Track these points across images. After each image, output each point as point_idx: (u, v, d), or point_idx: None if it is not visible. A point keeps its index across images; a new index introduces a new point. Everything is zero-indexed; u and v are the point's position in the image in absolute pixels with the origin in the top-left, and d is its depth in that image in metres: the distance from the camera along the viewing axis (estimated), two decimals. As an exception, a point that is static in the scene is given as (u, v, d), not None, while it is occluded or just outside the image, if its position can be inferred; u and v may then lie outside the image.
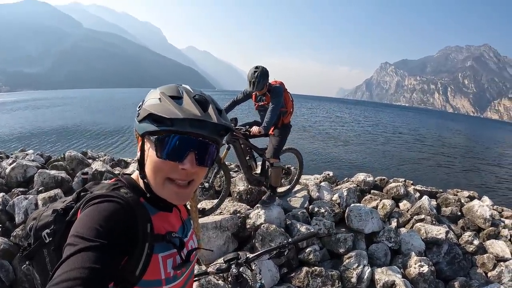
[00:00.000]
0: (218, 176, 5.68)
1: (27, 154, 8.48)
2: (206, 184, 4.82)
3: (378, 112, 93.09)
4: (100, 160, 7.92)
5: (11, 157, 8.19)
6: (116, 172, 7.05)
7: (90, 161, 7.71)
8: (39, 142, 19.70)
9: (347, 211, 5.68)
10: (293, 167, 6.71)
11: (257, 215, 5.05)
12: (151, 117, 1.09)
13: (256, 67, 5.00)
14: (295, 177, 6.38)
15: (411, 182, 8.52)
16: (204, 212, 4.87)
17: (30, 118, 36.35)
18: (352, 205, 5.87)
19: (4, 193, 5.80)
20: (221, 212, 5.19)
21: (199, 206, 5.20)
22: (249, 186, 5.69)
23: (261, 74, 4.92)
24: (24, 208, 5.28)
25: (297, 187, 6.44)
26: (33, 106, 59.47)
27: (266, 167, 5.56)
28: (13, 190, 6.06)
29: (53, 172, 6.36)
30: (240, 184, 5.91)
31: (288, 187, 6.29)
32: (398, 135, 35.27)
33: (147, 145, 1.13)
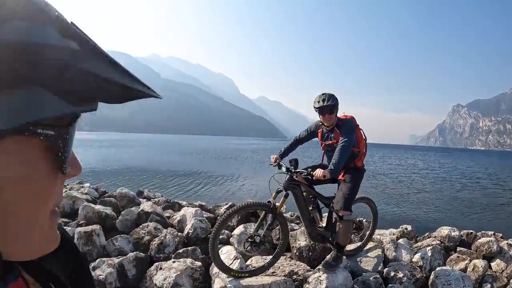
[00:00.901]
0: (272, 228, 4.87)
1: (82, 187, 8.52)
2: (257, 238, 4.01)
3: (453, 158, 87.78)
4: (152, 201, 7.57)
5: (65, 188, 8.17)
6: (167, 215, 6.62)
7: (141, 200, 7.48)
8: (103, 177, 20.30)
9: (431, 276, 4.51)
10: (365, 220, 5.67)
11: (317, 280, 4.08)
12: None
13: (323, 93, 4.25)
14: (368, 232, 5.29)
15: (500, 235, 7.02)
16: (253, 272, 4.06)
17: (103, 155, 39.04)
18: (438, 268, 4.66)
19: None
20: (274, 272, 4.30)
21: (248, 263, 4.41)
22: (312, 242, 4.76)
23: (330, 95, 4.17)
24: None
25: (369, 244, 5.33)
26: (108, 145, 64.12)
27: (334, 220, 4.59)
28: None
29: (98, 207, 6.16)
30: (301, 238, 4.99)
31: (358, 244, 5.20)
32: (476, 180, 32.30)
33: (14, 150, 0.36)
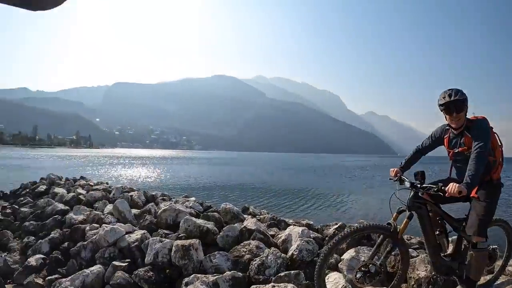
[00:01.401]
0: (391, 255, 4.14)
1: (187, 200, 8.81)
2: (372, 267, 3.33)
3: None
4: (257, 218, 7.43)
5: (172, 200, 8.71)
6: (271, 233, 6.32)
7: (246, 216, 7.37)
8: (211, 192, 20.99)
9: None
10: (496, 247, 4.59)
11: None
12: None
13: (450, 88, 3.45)
14: (500, 263, 4.18)
15: None
16: None
17: (212, 172, 40.95)
18: None
19: (146, 231, 6.05)
20: (388, 308, 3.58)
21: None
22: (433, 273, 3.88)
23: (458, 90, 3.38)
24: (155, 250, 5.10)
25: (501, 278, 4.17)
26: (218, 163, 67.04)
27: (463, 247, 3.65)
28: (159, 230, 6.25)
29: (200, 221, 6.13)
30: (421, 267, 4.10)
31: (488, 277, 4.09)
32: None
33: None
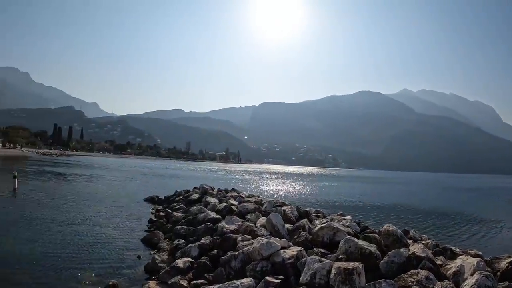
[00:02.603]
0: None
1: (343, 219, 8.48)
2: None
3: None
4: (422, 243, 6.48)
5: (327, 218, 8.49)
6: (438, 262, 5.51)
7: (409, 241, 6.69)
8: (363, 211, 20.07)
9: None
10: None
11: None
12: None
13: None
14: None
15: None
16: None
17: (362, 190, 39.93)
18: None
19: (303, 248, 5.74)
20: None
21: None
22: None
23: None
24: (313, 270, 4.69)
25: None
26: (366, 181, 65.93)
27: None
28: (314, 248, 5.92)
29: (362, 242, 5.66)
30: None
31: None
32: None
33: None
